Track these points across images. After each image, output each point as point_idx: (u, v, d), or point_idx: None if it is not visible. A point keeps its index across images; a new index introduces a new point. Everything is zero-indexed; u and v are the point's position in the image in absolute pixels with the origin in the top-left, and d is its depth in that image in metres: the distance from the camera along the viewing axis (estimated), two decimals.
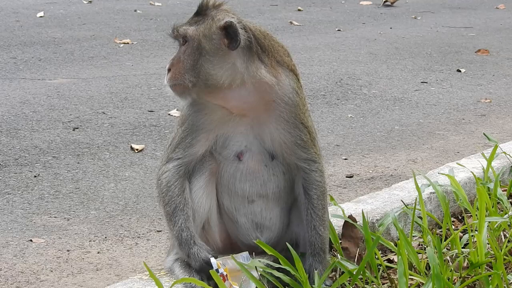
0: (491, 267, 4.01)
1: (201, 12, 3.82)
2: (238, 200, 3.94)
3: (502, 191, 5.06)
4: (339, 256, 4.07)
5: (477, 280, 3.89)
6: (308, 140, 3.90)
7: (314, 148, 3.93)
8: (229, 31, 3.74)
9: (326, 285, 3.87)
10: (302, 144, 3.88)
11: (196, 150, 3.89)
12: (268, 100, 3.81)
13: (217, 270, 3.68)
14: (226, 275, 3.71)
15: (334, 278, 4.01)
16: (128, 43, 10.92)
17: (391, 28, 13.14)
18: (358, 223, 4.26)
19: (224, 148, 3.90)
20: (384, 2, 15.82)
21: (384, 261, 4.22)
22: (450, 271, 3.92)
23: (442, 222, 4.62)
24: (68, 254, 4.65)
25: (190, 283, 3.73)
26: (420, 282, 3.91)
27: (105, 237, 4.88)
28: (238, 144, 3.88)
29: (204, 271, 3.78)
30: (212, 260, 3.75)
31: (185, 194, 3.88)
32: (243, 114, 3.83)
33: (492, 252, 4.01)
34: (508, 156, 5.62)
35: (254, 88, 3.78)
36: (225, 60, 3.76)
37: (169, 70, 3.83)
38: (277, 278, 3.75)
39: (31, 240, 4.80)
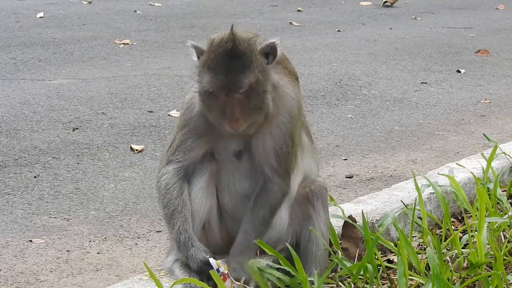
0: (491, 268, 4.02)
1: (239, 54, 3.69)
2: (239, 199, 3.94)
3: (502, 191, 5.06)
4: (340, 254, 4.07)
5: (477, 280, 3.89)
6: (290, 153, 3.88)
7: (289, 163, 3.89)
8: (269, 50, 3.75)
9: None
10: (281, 155, 3.86)
11: (196, 153, 3.89)
12: (273, 110, 3.83)
13: (217, 270, 3.68)
14: (227, 273, 3.71)
15: (334, 279, 4.02)
16: (128, 43, 10.93)
17: (391, 28, 13.14)
18: (358, 223, 4.26)
19: (224, 149, 3.90)
20: (384, 2, 15.82)
21: (384, 261, 4.22)
22: (450, 272, 3.92)
23: (442, 223, 4.62)
24: (68, 254, 4.65)
25: (190, 283, 3.73)
26: (420, 283, 3.91)
27: (105, 238, 4.88)
28: (238, 145, 3.88)
29: (203, 272, 3.78)
30: (211, 260, 3.75)
31: (184, 196, 3.88)
32: None
33: (492, 253, 4.01)
34: (508, 157, 5.62)
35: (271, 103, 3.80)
36: (270, 80, 3.77)
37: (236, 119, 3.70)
38: (278, 277, 3.76)
39: (31, 241, 4.80)
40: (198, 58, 3.78)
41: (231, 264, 3.79)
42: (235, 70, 3.67)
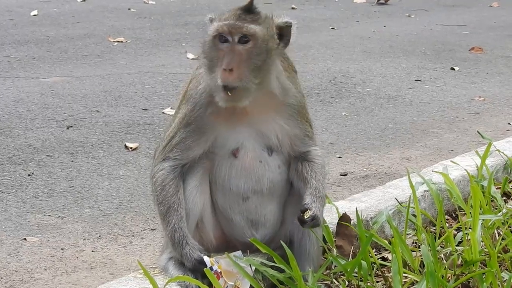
0: (485, 265, 4.02)
1: (252, 10, 3.77)
2: (233, 198, 3.94)
3: (496, 188, 5.07)
4: (334, 252, 4.07)
5: (471, 277, 3.90)
6: (310, 132, 3.99)
7: (313, 139, 4.02)
8: (283, 31, 3.78)
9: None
10: (307, 136, 3.96)
11: (195, 153, 3.87)
12: (281, 102, 3.85)
13: (211, 268, 3.68)
14: (220, 272, 3.71)
15: (329, 276, 4.03)
16: (122, 41, 10.91)
17: (385, 26, 13.14)
18: (352, 221, 4.26)
19: (221, 148, 3.88)
20: (378, 0, 15.83)
21: (378, 259, 4.23)
22: (444, 269, 3.92)
23: (436, 220, 4.62)
24: (62, 252, 4.65)
25: (184, 281, 3.73)
26: (414, 280, 3.92)
27: (99, 236, 4.88)
28: (235, 142, 3.87)
29: (198, 270, 3.78)
30: (205, 258, 3.75)
31: (179, 194, 3.87)
32: (250, 113, 3.82)
33: (486, 250, 4.02)
34: (502, 154, 5.64)
35: (275, 91, 3.82)
36: (276, 60, 3.79)
37: (230, 70, 3.64)
38: (272, 275, 3.76)
39: (25, 239, 4.79)
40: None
41: (312, 205, 3.79)
42: (245, 20, 3.73)
